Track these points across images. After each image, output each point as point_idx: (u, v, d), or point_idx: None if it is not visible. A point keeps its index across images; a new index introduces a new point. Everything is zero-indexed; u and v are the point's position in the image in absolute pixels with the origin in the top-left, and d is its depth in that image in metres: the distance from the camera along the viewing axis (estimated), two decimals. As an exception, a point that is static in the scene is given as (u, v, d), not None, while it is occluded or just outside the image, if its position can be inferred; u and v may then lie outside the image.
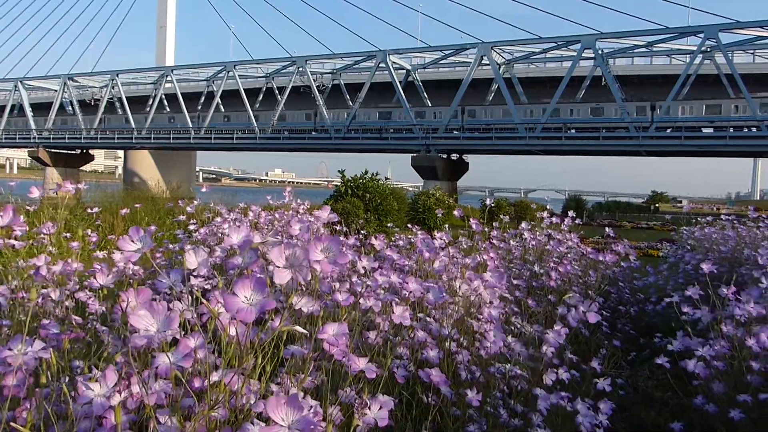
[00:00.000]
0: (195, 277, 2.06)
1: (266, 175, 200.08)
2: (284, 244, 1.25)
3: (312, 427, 1.03)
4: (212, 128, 49.95)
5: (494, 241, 4.44)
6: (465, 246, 3.95)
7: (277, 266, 1.22)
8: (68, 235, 3.89)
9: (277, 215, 4.45)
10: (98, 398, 1.28)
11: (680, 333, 2.90)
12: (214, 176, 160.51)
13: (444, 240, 3.05)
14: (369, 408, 1.42)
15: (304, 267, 1.22)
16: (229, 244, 1.44)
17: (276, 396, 1.05)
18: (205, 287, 2.33)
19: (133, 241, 1.37)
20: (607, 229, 6.06)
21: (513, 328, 2.83)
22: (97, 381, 1.31)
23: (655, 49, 38.02)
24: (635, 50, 38.60)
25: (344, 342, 1.54)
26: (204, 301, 1.37)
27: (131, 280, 2.41)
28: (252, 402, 1.41)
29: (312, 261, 1.24)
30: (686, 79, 35.09)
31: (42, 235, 2.95)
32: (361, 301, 2.24)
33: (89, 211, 3.99)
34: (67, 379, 1.58)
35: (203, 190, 6.26)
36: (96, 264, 2.40)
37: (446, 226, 3.78)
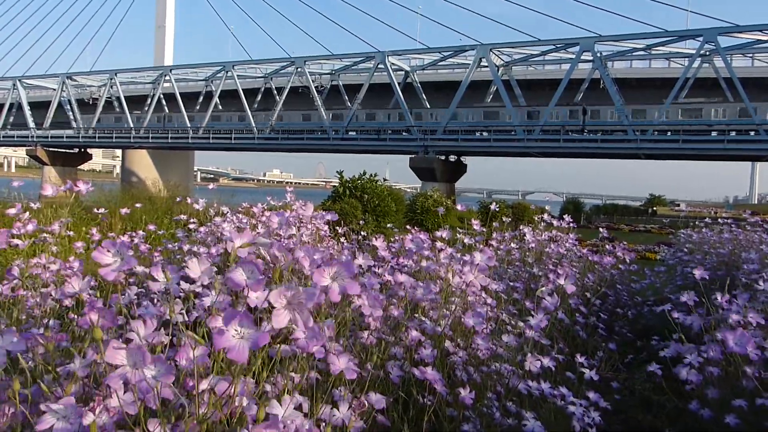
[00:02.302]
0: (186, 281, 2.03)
1: (264, 175, 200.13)
2: (285, 288, 1.12)
3: None
4: (210, 128, 49.95)
5: (493, 243, 4.45)
6: (466, 242, 3.95)
7: (275, 307, 1.10)
8: (71, 233, 3.87)
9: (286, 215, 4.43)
10: (59, 423, 1.17)
11: (675, 336, 2.89)
12: (212, 176, 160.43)
13: (444, 238, 3.04)
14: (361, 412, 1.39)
15: (306, 309, 1.10)
16: (231, 248, 1.32)
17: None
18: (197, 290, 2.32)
19: (108, 254, 1.22)
20: (600, 229, 6.06)
21: (510, 327, 2.83)
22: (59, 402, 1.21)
23: (653, 52, 38.13)
24: (634, 53, 38.70)
25: (321, 343, 1.48)
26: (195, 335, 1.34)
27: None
28: (245, 404, 1.39)
29: (320, 288, 1.14)
30: (685, 83, 35.20)
31: (44, 234, 2.93)
32: (355, 300, 2.23)
33: (96, 211, 3.97)
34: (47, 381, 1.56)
35: (210, 187, 6.25)
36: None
37: (447, 226, 3.78)
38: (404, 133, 43.17)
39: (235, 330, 1.09)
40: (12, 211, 2.48)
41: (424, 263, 2.65)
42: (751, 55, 37.67)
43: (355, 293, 1.22)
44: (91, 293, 2.40)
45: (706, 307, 2.99)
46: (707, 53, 35.05)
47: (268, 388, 1.49)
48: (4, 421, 1.34)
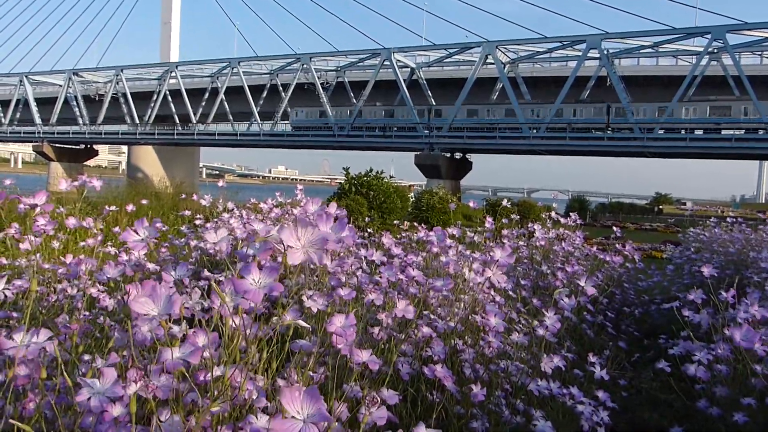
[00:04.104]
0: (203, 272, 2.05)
1: (269, 171, 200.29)
2: (300, 223, 1.23)
3: (327, 421, 1.01)
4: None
5: (505, 241, 4.44)
6: (476, 240, 3.95)
7: (290, 246, 1.20)
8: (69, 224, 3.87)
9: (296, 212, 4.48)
10: (96, 396, 1.24)
11: (683, 333, 2.89)
12: (217, 172, 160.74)
13: (455, 235, 3.04)
14: (376, 406, 1.40)
15: (320, 248, 1.21)
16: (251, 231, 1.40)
17: (292, 388, 1.03)
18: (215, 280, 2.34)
19: (136, 233, 1.39)
20: (614, 228, 6.04)
21: (520, 327, 2.83)
22: (96, 377, 1.27)
23: (661, 49, 37.93)
24: (641, 51, 38.51)
25: (353, 333, 1.53)
26: (216, 287, 1.36)
27: (138, 273, 2.40)
28: (254, 397, 1.40)
29: (324, 240, 1.22)
30: (692, 81, 34.99)
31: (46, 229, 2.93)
32: (365, 295, 2.24)
33: (107, 208, 3.99)
34: (80, 372, 1.58)
35: (220, 184, 6.26)
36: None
37: (458, 223, 3.78)
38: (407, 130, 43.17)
39: (254, 279, 1.24)
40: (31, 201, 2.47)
41: (443, 258, 2.66)
42: (759, 52, 37.41)
43: (350, 244, 1.39)
44: (101, 289, 2.42)
45: (713, 306, 2.98)
46: (715, 51, 34.83)
47: (280, 382, 1.50)
48: (33, 406, 1.36)
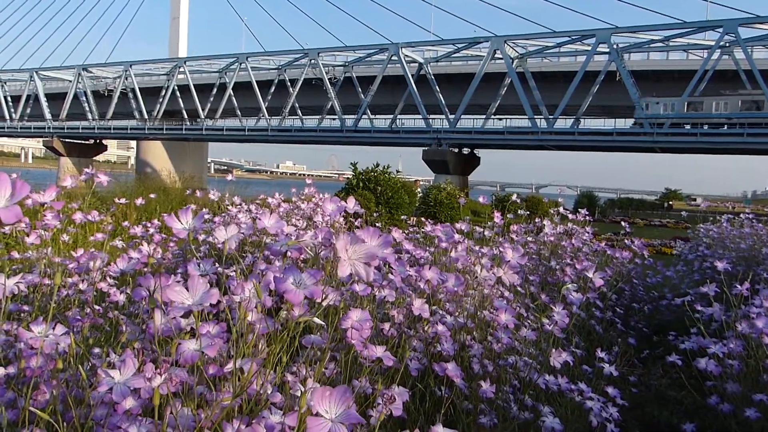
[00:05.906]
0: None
1: (277, 167, 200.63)
2: (352, 239, 1.23)
3: (358, 422, 1.01)
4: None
5: (513, 236, 4.42)
6: (486, 234, 3.95)
7: (341, 258, 1.20)
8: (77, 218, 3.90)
9: (303, 206, 4.51)
10: (117, 387, 1.26)
11: (694, 330, 2.87)
12: (225, 168, 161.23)
13: (463, 230, 3.03)
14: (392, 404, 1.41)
15: (372, 264, 1.21)
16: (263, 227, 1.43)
17: (323, 387, 1.03)
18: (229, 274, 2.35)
19: (179, 221, 1.42)
20: (623, 223, 5.99)
21: (528, 322, 2.81)
22: (115, 368, 1.29)
23: (671, 44, 37.53)
24: (651, 45, 38.12)
25: (368, 327, 1.53)
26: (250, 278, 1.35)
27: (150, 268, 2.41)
28: (269, 392, 1.40)
29: (374, 257, 1.22)
30: (703, 75, 34.59)
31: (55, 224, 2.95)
32: (376, 291, 2.24)
33: (117, 201, 4.02)
34: (89, 365, 1.59)
35: (229, 178, 6.27)
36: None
37: (467, 218, 3.77)
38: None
39: (294, 280, 1.25)
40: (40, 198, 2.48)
41: (454, 253, 2.65)
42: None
43: (392, 261, 1.50)
44: (112, 283, 2.43)
45: (725, 301, 2.96)
46: (727, 45, 34.41)
47: (289, 378, 1.50)
48: (46, 398, 1.38)
